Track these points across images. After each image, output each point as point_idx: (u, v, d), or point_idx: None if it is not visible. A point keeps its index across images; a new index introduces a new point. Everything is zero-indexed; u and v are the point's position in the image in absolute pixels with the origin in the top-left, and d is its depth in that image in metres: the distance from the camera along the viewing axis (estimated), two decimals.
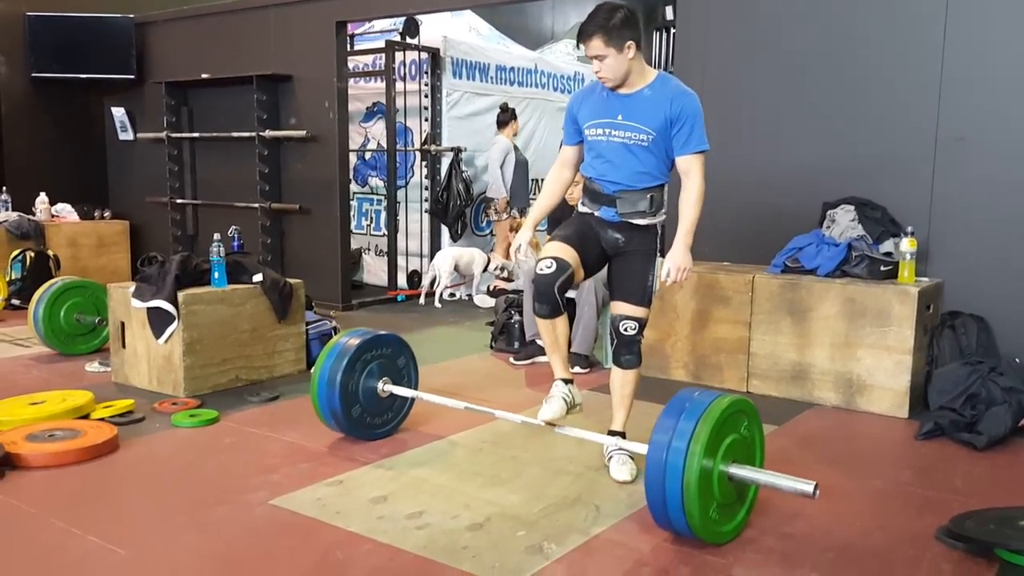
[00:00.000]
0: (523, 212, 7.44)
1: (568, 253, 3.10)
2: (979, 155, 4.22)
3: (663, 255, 3.21)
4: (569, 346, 4.94)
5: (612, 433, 3.23)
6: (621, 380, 3.26)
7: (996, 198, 4.19)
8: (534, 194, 8.56)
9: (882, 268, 4.18)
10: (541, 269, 3.06)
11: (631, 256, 3.17)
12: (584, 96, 3.20)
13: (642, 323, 3.19)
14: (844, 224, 4.35)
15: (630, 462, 3.17)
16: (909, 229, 4.17)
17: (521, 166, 7.56)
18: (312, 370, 3.53)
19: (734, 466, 2.55)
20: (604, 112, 3.09)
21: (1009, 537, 2.53)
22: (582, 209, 3.26)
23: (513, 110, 7.47)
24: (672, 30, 6.65)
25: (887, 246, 4.30)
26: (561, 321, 3.16)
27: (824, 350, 4.20)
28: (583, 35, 3.00)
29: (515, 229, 7.25)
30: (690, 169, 3.05)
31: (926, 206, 4.35)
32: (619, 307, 3.21)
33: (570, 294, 5.07)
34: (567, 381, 3.21)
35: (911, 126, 4.39)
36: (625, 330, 3.17)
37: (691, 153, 3.03)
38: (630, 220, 3.13)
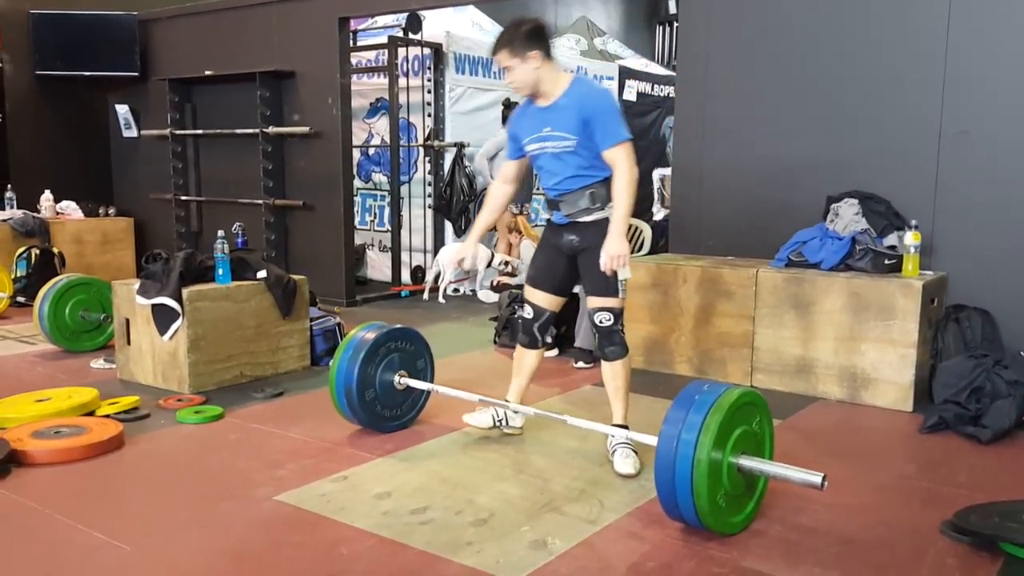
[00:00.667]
0: (520, 208, 7.45)
1: (540, 298, 3.46)
2: (983, 148, 4.21)
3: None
4: (573, 340, 5.01)
5: (616, 424, 3.32)
6: (611, 373, 3.36)
7: (1000, 191, 4.18)
8: (538, 189, 8.58)
9: (886, 262, 4.17)
10: (523, 315, 3.49)
11: (588, 252, 3.26)
12: (519, 115, 3.39)
13: (615, 312, 3.29)
14: (848, 218, 4.34)
15: (634, 456, 3.19)
16: (913, 223, 4.16)
17: None
18: (319, 364, 3.55)
19: (743, 457, 2.56)
20: (534, 128, 3.28)
21: (1014, 531, 2.53)
22: (544, 215, 3.34)
23: (514, 104, 7.44)
24: (675, 24, 6.62)
25: (891, 240, 4.29)
26: (533, 354, 3.54)
27: (828, 344, 4.20)
28: (493, 51, 3.25)
29: (515, 228, 7.25)
30: (615, 160, 3.15)
31: (930, 199, 4.34)
32: (591, 301, 3.34)
33: (574, 289, 5.08)
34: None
35: (915, 119, 4.38)
36: (601, 322, 3.30)
37: (612, 146, 3.14)
38: (577, 219, 3.28)
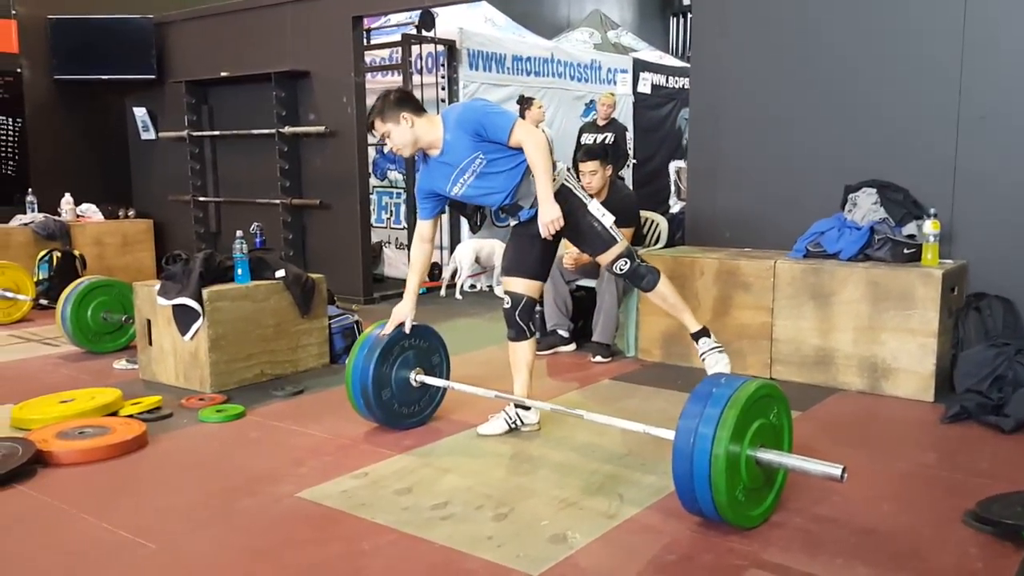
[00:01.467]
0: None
1: (516, 284, 3.57)
2: (1002, 134, 4.17)
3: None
4: (591, 335, 5.01)
5: (693, 335, 3.58)
6: (658, 299, 3.57)
7: (1020, 178, 4.13)
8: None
9: (905, 251, 4.14)
10: (503, 307, 3.57)
11: (568, 221, 3.34)
12: (424, 176, 3.49)
13: (627, 254, 3.48)
14: (866, 207, 4.32)
15: (725, 356, 3.50)
16: (932, 211, 4.12)
17: None
18: (343, 359, 3.57)
19: (762, 450, 2.55)
20: (446, 175, 3.38)
21: None
22: (511, 222, 3.56)
23: (529, 99, 7.47)
24: (689, 15, 6.59)
25: (910, 228, 4.26)
26: (524, 346, 3.58)
27: (848, 334, 4.18)
28: (368, 127, 3.45)
29: None
30: (518, 141, 3.25)
31: (949, 187, 4.30)
32: (601, 259, 3.53)
33: (590, 283, 5.10)
34: (521, 406, 3.56)
35: (932, 106, 4.34)
36: (620, 269, 3.50)
37: (508, 134, 3.24)
38: (533, 205, 3.36)
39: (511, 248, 3.65)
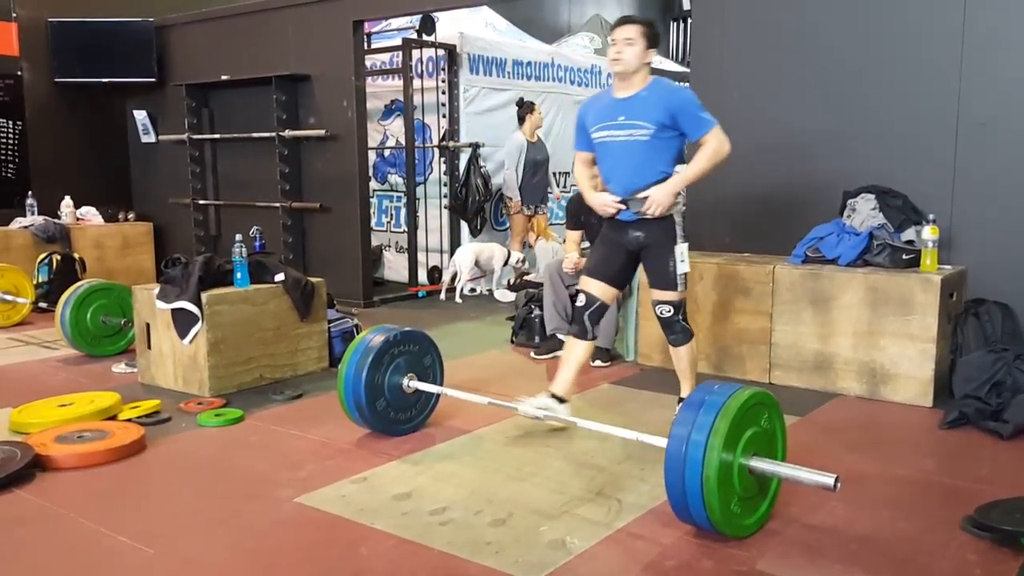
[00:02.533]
0: (536, 208, 7.47)
1: (595, 287, 3.64)
2: (1002, 140, 4.17)
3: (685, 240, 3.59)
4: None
5: (681, 399, 3.61)
6: (676, 357, 3.70)
7: (1019, 183, 4.14)
8: (564, 187, 8.58)
9: (904, 256, 4.14)
10: (577, 303, 3.68)
11: (652, 248, 3.54)
12: (591, 104, 3.66)
13: (676, 305, 3.58)
14: (865, 213, 4.32)
15: None
16: (931, 217, 4.13)
17: (531, 164, 7.45)
18: (339, 365, 3.57)
19: (755, 459, 2.54)
20: (607, 116, 3.52)
21: None
22: (608, 212, 3.59)
23: (530, 103, 7.43)
24: (689, 20, 6.60)
25: (909, 234, 4.27)
26: (583, 345, 3.67)
27: (847, 339, 4.18)
28: (628, 19, 3.54)
29: (531, 229, 7.28)
30: (708, 141, 3.43)
31: (948, 193, 4.30)
32: (653, 294, 3.63)
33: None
34: (556, 398, 3.62)
35: (932, 112, 4.34)
36: (662, 313, 3.60)
37: (704, 133, 3.43)
38: (645, 216, 3.47)
39: (598, 252, 3.73)
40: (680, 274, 3.53)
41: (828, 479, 2.44)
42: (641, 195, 3.43)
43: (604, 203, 3.54)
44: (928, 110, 4.35)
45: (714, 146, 3.43)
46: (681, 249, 3.53)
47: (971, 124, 4.24)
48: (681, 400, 3.57)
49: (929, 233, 4.08)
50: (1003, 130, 4.16)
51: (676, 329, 3.62)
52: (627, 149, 3.46)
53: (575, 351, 3.68)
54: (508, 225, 8.01)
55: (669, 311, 3.58)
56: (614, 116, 3.49)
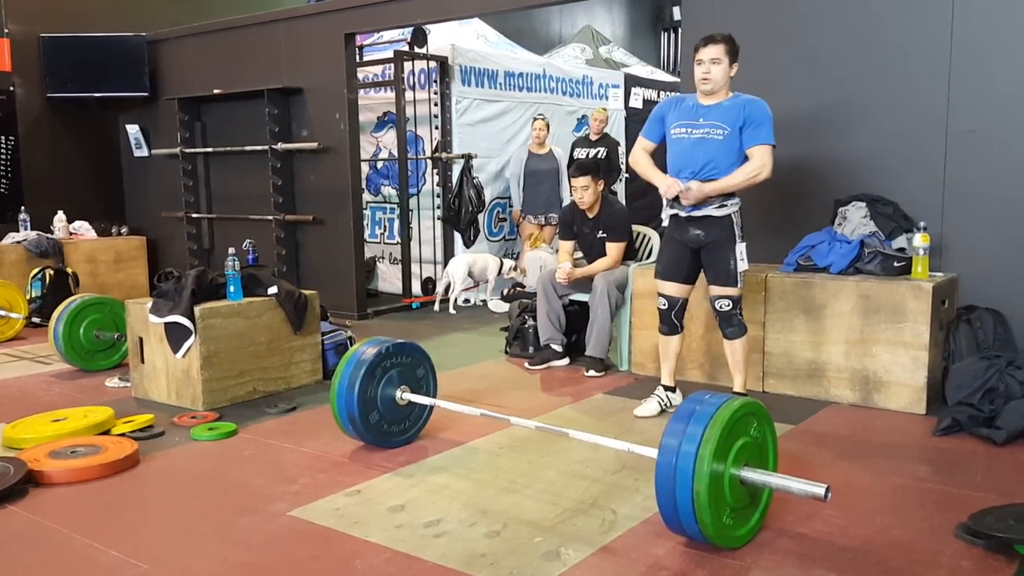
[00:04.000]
0: (546, 218, 7.51)
1: (671, 288, 3.95)
2: (991, 147, 4.20)
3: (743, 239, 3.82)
4: (584, 349, 5.01)
5: (735, 393, 3.60)
6: (730, 349, 3.95)
7: (1009, 190, 4.16)
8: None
9: (895, 264, 4.16)
10: (659, 306, 4.01)
11: (713, 245, 3.79)
12: (673, 104, 3.91)
13: (734, 300, 3.84)
14: (856, 221, 4.34)
15: None
16: (922, 224, 4.15)
17: (532, 174, 7.60)
18: (331, 378, 3.56)
19: (746, 469, 2.54)
20: (688, 116, 3.78)
21: None
22: (669, 212, 3.86)
23: (535, 117, 7.68)
24: (679, 30, 6.64)
25: (900, 242, 4.28)
26: (676, 338, 4.05)
27: (839, 347, 4.19)
28: (712, 39, 3.70)
29: (528, 237, 7.30)
30: (754, 155, 3.68)
31: (938, 201, 4.33)
32: (713, 290, 3.87)
33: (583, 297, 5.12)
34: (668, 388, 4.09)
35: (921, 120, 4.37)
36: (721, 307, 3.86)
37: (756, 145, 3.66)
38: (706, 212, 3.72)
39: (666, 255, 3.98)
40: (740, 271, 3.77)
41: (819, 489, 2.43)
42: (684, 184, 3.68)
43: (668, 184, 3.75)
44: (918, 118, 4.38)
45: (756, 164, 3.66)
46: (741, 248, 3.77)
47: (960, 132, 4.27)
48: (736, 394, 3.69)
49: (920, 240, 4.10)
50: (992, 138, 4.19)
51: (734, 322, 3.87)
52: (700, 145, 3.71)
53: (670, 346, 4.06)
54: (502, 235, 8.08)
55: (728, 305, 3.83)
56: (695, 117, 3.74)
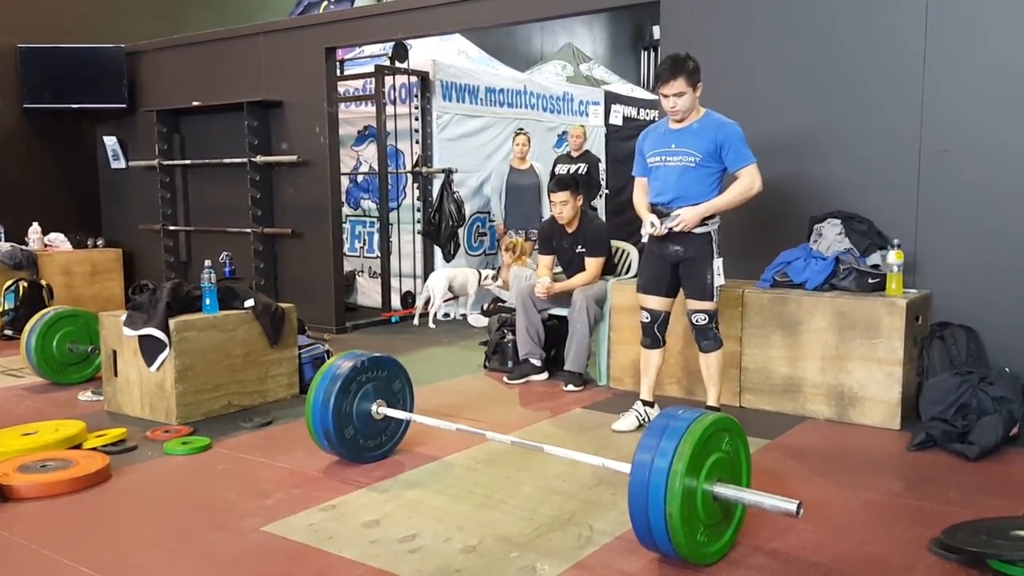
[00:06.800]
0: (527, 234, 7.51)
1: (653, 302, 4.01)
2: (963, 166, 4.26)
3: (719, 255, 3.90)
4: (563, 363, 5.01)
5: (708, 407, 3.92)
6: (705, 362, 4.00)
7: (981, 208, 4.22)
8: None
9: (870, 281, 4.20)
10: (642, 320, 4.07)
11: (690, 260, 3.87)
12: (649, 134, 4.02)
13: (710, 314, 3.91)
14: (831, 238, 4.38)
15: None
16: (895, 242, 4.19)
17: (512, 190, 7.64)
18: (307, 393, 3.53)
19: (719, 485, 2.53)
20: (661, 143, 3.89)
21: (1001, 547, 2.53)
22: (647, 230, 3.89)
23: (516, 132, 7.70)
24: (659, 49, 6.69)
25: (874, 259, 4.32)
26: (658, 352, 4.10)
27: (815, 363, 4.22)
28: (667, 76, 3.72)
29: (509, 248, 7.31)
30: (743, 175, 3.79)
31: (912, 218, 4.38)
32: (690, 304, 3.94)
33: (563, 312, 5.12)
34: (647, 403, 4.13)
35: (895, 139, 4.43)
36: (697, 321, 3.93)
37: (741, 167, 3.79)
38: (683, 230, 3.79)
39: (646, 269, 4.06)
40: (716, 286, 3.84)
41: (791, 505, 2.43)
42: (675, 212, 3.78)
43: (647, 229, 3.88)
44: (891, 138, 4.44)
45: (747, 183, 3.77)
46: (718, 264, 3.84)
47: (933, 152, 4.32)
48: (709, 407, 3.93)
49: (894, 257, 4.15)
50: (965, 158, 4.25)
51: (709, 336, 3.94)
52: (676, 173, 3.82)
53: (652, 359, 4.10)
54: (483, 250, 8.09)
55: (704, 319, 3.90)
56: (667, 144, 3.85)
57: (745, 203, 3.84)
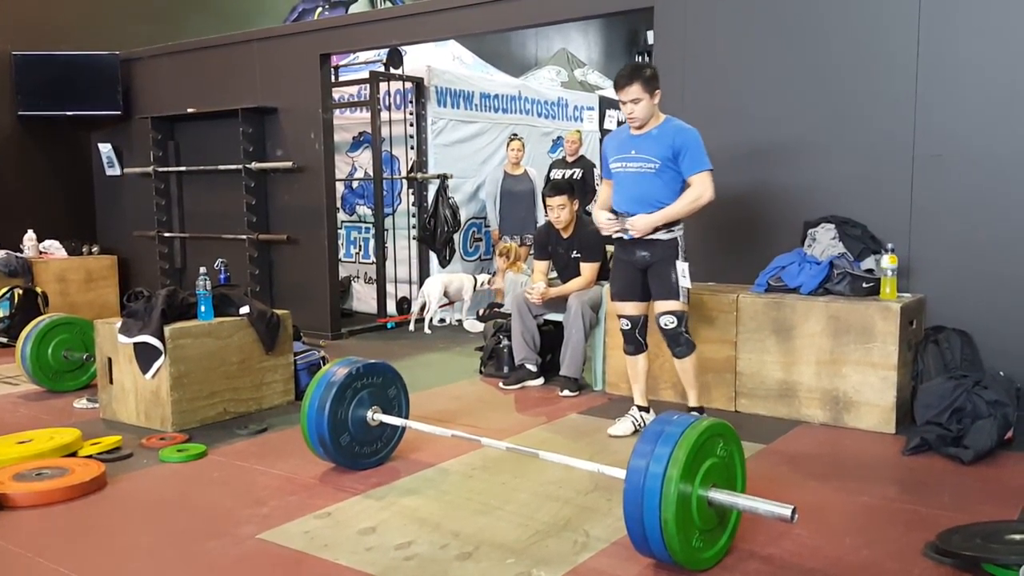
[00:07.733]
0: (522, 239, 7.52)
1: (630, 308, 4.04)
2: (956, 170, 4.27)
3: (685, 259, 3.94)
4: (559, 368, 5.02)
5: (691, 409, 4.00)
6: (681, 368, 4.03)
7: (975, 213, 4.23)
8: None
9: (864, 285, 4.21)
10: (622, 327, 4.09)
11: (657, 265, 3.90)
12: (611, 139, 4.09)
13: (678, 315, 3.90)
14: (825, 242, 4.39)
15: None
16: (889, 246, 4.21)
17: (507, 195, 7.67)
18: (302, 399, 3.53)
19: (714, 490, 2.53)
20: (622, 149, 3.92)
21: (996, 551, 2.54)
22: (615, 236, 3.94)
23: (510, 137, 7.69)
24: (652, 54, 6.72)
25: (868, 263, 4.34)
26: (642, 357, 4.12)
27: (810, 367, 4.23)
28: (623, 82, 3.76)
29: (503, 254, 7.31)
30: (694, 183, 3.81)
31: (906, 223, 4.39)
32: (657, 306, 3.94)
33: (558, 317, 5.13)
34: (642, 408, 4.15)
35: (888, 144, 4.44)
36: (666, 325, 3.91)
37: (695, 173, 3.80)
38: (653, 236, 3.84)
39: (619, 278, 4.07)
40: (683, 287, 3.86)
41: (785, 510, 2.44)
42: (630, 219, 3.82)
43: (600, 221, 3.98)
44: (884, 142, 4.45)
45: (697, 191, 3.79)
46: (683, 266, 3.87)
47: (927, 156, 4.34)
48: (692, 409, 4.00)
49: (888, 262, 4.16)
50: (958, 162, 4.27)
51: (680, 341, 3.93)
52: (635, 179, 3.86)
53: (638, 366, 4.13)
54: (478, 255, 8.09)
55: (673, 322, 3.89)
56: (628, 150, 3.88)
57: (695, 212, 3.85)
